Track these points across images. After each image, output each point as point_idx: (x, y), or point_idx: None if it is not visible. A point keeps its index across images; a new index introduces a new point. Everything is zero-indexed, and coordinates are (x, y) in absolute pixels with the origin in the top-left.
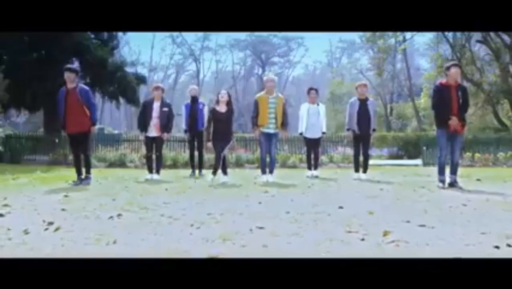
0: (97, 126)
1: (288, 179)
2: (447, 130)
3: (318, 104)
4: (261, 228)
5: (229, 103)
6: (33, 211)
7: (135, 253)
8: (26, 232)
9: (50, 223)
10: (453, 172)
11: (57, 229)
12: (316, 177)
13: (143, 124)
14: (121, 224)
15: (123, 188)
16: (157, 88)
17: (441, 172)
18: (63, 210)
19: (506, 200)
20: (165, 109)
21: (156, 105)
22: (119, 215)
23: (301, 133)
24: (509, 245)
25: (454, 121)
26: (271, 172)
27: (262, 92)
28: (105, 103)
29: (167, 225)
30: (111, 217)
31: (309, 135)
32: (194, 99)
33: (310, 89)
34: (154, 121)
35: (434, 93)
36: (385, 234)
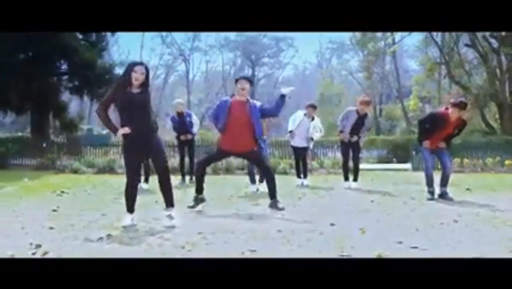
0: (86, 127)
1: (278, 188)
2: (430, 149)
3: (313, 119)
4: (253, 251)
5: (145, 85)
6: (20, 230)
7: None
8: (12, 257)
9: (38, 246)
10: (443, 184)
11: (45, 254)
12: (306, 185)
13: None
14: (111, 246)
15: (112, 200)
16: None
17: (430, 184)
18: (51, 228)
19: (496, 214)
20: None
21: None
22: (108, 235)
23: (290, 131)
24: None
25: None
26: (261, 181)
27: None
28: (93, 105)
29: (156, 248)
30: (101, 238)
31: (294, 143)
32: (180, 114)
33: (310, 105)
34: None
35: (428, 117)
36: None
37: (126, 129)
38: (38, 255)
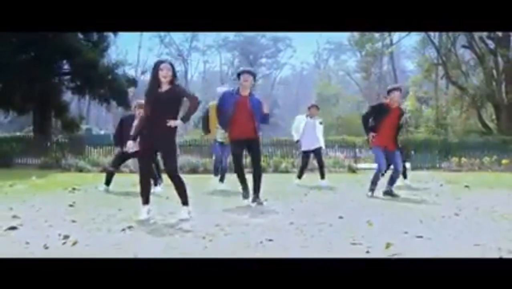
0: (85, 126)
1: (281, 186)
2: (380, 147)
3: (315, 119)
4: (270, 240)
5: (173, 82)
6: (44, 223)
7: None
8: (45, 247)
9: (66, 237)
10: (391, 183)
11: (74, 243)
12: (326, 187)
13: (120, 140)
14: (135, 236)
15: (124, 196)
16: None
17: (374, 182)
18: (73, 221)
19: (494, 208)
20: None
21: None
22: (130, 227)
23: (297, 141)
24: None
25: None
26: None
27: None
28: (91, 103)
29: (179, 238)
30: (123, 229)
31: (306, 148)
32: None
33: (313, 106)
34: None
35: (372, 110)
36: (387, 246)
37: (131, 144)
38: (68, 245)
